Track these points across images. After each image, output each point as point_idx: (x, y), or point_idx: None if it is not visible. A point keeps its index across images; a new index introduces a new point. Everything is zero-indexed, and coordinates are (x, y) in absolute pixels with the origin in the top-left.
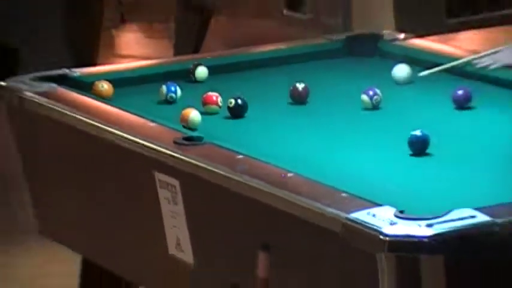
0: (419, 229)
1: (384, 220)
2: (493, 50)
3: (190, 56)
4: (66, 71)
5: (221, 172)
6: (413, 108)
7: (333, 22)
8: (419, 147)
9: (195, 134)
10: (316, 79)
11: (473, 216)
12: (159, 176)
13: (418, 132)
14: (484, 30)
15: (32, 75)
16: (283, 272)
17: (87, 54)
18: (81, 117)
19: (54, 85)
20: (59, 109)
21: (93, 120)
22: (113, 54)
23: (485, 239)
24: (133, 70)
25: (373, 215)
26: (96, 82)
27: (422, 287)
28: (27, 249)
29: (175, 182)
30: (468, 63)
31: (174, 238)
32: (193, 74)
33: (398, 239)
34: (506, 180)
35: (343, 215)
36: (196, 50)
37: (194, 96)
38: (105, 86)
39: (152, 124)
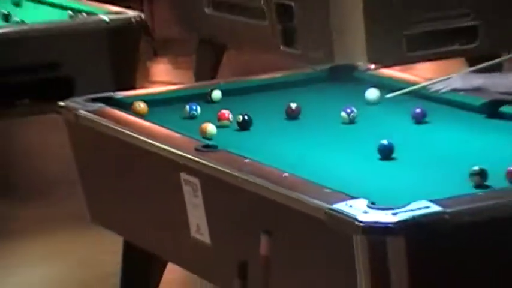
0: (386, 217)
1: (358, 210)
2: (443, 78)
3: (207, 82)
4: (111, 93)
5: (232, 172)
6: (382, 123)
7: (319, 56)
8: (386, 153)
9: (211, 142)
10: (306, 100)
11: (427, 207)
12: (184, 176)
13: (385, 141)
14: (436, 62)
15: (84, 97)
16: (281, 251)
17: (128, 81)
18: (123, 130)
19: (102, 105)
20: (106, 124)
21: (132, 132)
22: (148, 81)
23: (437, 224)
24: (163, 93)
25: (350, 206)
26: (135, 102)
27: (389, 262)
28: (85, 232)
29: (196, 181)
30: (424, 87)
31: (195, 224)
32: (210, 96)
33: (369, 224)
34: (454, 178)
35: (327, 205)
36: (212, 78)
37: (211, 113)
38: (141, 105)
39: (178, 135)
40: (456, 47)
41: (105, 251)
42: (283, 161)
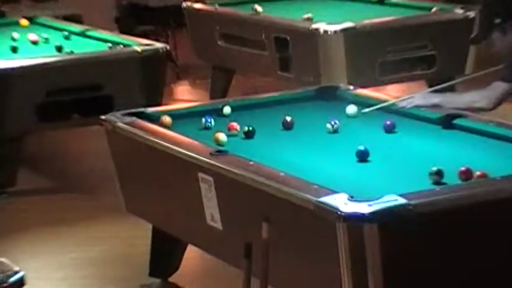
0: (362, 208)
1: (340, 202)
2: (408, 96)
3: (219, 100)
4: (142, 109)
5: (239, 172)
6: (359, 132)
7: (309, 79)
8: (362, 156)
9: (222, 148)
10: (299, 114)
11: (396, 200)
12: (201, 175)
13: (362, 147)
14: (403, 84)
15: (121, 112)
16: (278, 235)
17: (156, 99)
18: (152, 138)
19: (135, 118)
20: (138, 133)
21: (159, 140)
22: (172, 99)
23: (403, 213)
24: (184, 109)
25: (334, 199)
26: (161, 116)
27: (365, 243)
28: (122, 220)
29: (211, 179)
30: (393, 104)
31: (209, 213)
32: (222, 111)
33: (349, 214)
34: (417, 177)
35: (315, 198)
36: (223, 96)
37: (222, 125)
38: (167, 119)
39: (196, 142)
40: (418, 71)
41: (138, 235)
42: (280, 163)
